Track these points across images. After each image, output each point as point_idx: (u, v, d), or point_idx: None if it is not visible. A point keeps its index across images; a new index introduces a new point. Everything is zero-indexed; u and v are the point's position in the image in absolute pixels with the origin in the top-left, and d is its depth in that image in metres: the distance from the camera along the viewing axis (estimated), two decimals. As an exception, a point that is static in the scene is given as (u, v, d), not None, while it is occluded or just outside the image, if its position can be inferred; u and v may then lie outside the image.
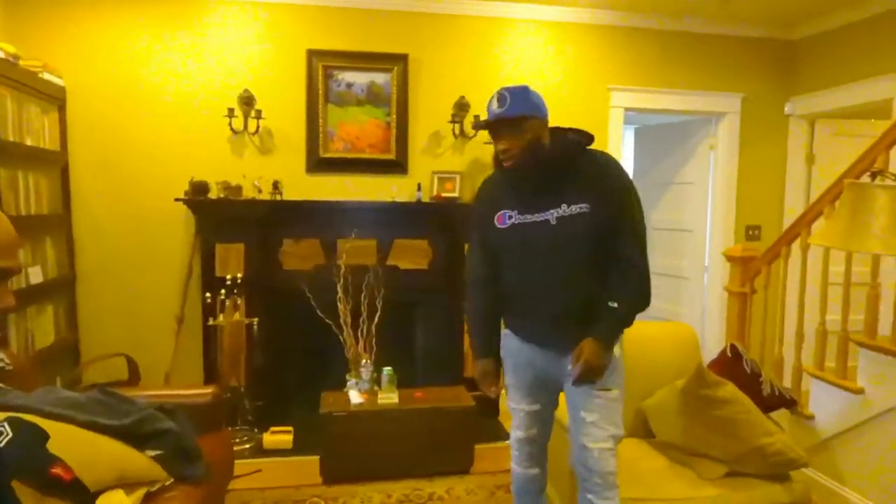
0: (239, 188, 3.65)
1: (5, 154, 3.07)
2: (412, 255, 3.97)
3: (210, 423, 2.52)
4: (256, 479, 3.12)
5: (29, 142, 3.31)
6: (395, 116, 3.95)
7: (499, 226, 1.95)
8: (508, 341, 2.12)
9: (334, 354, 3.86)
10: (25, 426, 1.73)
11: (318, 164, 3.91)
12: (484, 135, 3.95)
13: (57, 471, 1.58)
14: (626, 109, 4.33)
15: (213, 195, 3.63)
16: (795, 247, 3.18)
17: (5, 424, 1.67)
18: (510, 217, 1.92)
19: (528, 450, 2.20)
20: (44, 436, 1.73)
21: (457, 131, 4.02)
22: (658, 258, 4.87)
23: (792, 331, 3.16)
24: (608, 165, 1.89)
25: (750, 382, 2.47)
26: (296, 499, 2.95)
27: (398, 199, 3.94)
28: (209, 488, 2.20)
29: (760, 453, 2.25)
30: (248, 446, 3.44)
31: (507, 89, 1.83)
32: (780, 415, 2.81)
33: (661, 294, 4.80)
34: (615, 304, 1.84)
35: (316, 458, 3.22)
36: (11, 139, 3.13)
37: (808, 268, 3.10)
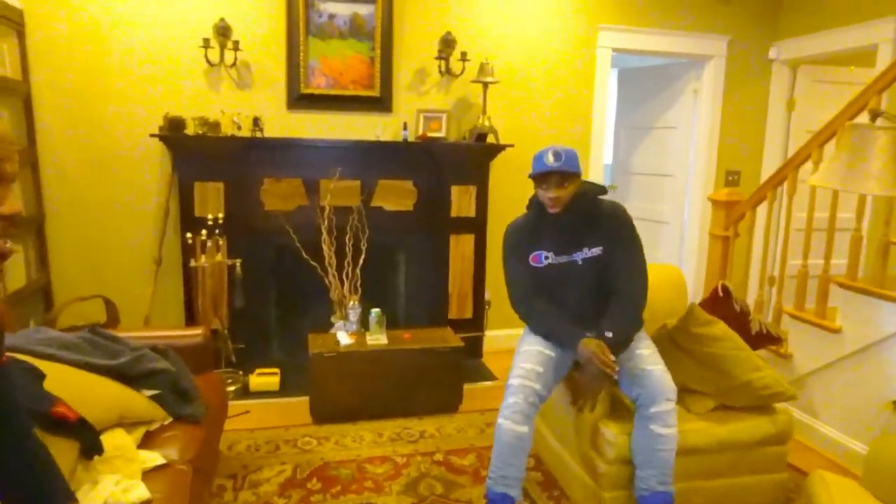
0: (217, 124, 3.48)
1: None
2: (397, 195, 3.89)
3: (200, 365, 2.48)
4: (245, 421, 3.11)
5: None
6: (379, 51, 3.79)
7: (534, 264, 2.32)
8: (531, 337, 2.37)
9: (314, 296, 3.82)
10: (17, 364, 1.65)
11: (299, 99, 3.75)
12: (471, 74, 3.85)
13: (60, 409, 1.51)
14: (614, 50, 4.25)
15: (189, 132, 3.46)
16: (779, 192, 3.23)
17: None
18: (546, 257, 2.32)
19: (524, 398, 2.12)
20: (39, 375, 1.66)
21: (443, 68, 3.89)
22: (638, 202, 4.91)
23: (771, 274, 3.24)
24: (615, 215, 2.30)
25: (739, 320, 2.53)
26: (286, 438, 2.96)
27: (382, 139, 3.83)
28: (207, 428, 2.17)
29: (749, 387, 2.33)
30: (233, 388, 3.41)
31: (561, 148, 2.16)
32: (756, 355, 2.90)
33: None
34: (610, 335, 2.17)
35: (304, 398, 3.21)
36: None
37: (791, 212, 3.16)
